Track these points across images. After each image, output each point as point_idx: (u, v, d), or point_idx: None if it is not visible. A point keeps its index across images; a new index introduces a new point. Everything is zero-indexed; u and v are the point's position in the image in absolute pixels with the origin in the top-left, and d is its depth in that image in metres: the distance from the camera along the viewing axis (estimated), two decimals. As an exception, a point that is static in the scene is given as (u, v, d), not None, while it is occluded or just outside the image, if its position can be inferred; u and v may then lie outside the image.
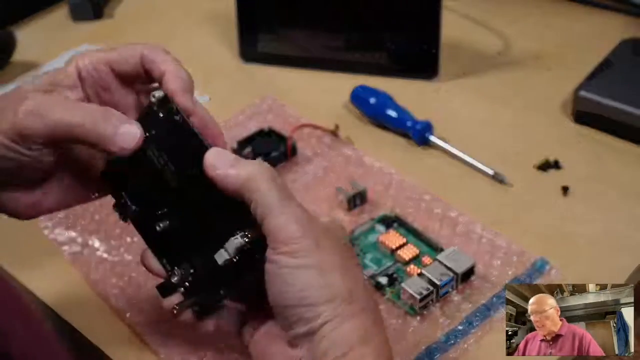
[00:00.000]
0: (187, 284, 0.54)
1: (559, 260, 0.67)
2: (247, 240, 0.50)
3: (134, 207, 0.55)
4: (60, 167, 0.54)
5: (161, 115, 0.52)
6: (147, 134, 0.53)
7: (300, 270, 0.48)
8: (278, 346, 0.50)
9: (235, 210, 0.50)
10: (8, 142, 0.50)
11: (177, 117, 0.52)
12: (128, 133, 0.51)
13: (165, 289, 0.55)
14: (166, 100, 0.52)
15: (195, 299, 0.54)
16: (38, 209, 0.55)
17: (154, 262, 0.55)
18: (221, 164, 0.49)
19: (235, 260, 0.50)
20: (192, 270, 0.53)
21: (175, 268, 0.54)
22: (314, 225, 0.49)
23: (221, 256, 0.50)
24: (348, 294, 0.48)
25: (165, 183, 0.53)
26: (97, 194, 0.57)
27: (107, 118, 0.51)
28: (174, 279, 0.54)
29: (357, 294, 0.49)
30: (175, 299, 0.54)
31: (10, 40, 0.92)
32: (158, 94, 0.52)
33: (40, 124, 0.49)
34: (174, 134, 0.52)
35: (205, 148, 0.51)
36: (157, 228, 0.53)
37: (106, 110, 0.51)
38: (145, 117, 0.53)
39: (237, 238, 0.50)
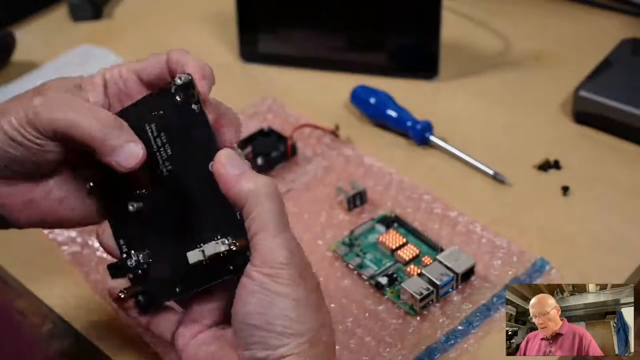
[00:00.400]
0: (140, 271, 0.52)
1: (559, 260, 0.67)
2: (234, 248, 0.48)
3: (106, 177, 0.53)
4: (64, 168, 0.54)
5: (178, 98, 0.50)
6: (154, 112, 0.51)
7: (279, 297, 0.47)
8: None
9: (225, 216, 0.49)
10: (19, 127, 0.50)
11: (195, 106, 0.50)
12: (130, 152, 0.50)
13: (117, 270, 0.53)
14: (189, 85, 0.50)
15: (145, 288, 0.53)
16: (35, 210, 0.54)
17: (110, 238, 0.54)
18: (231, 166, 0.49)
19: (205, 263, 0.49)
20: (150, 260, 0.52)
21: (132, 252, 0.53)
22: (301, 257, 0.49)
23: (195, 255, 0.49)
24: (316, 334, 0.48)
25: (154, 165, 0.51)
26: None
27: (117, 130, 0.50)
28: (130, 262, 0.53)
29: (323, 336, 0.49)
30: (123, 282, 0.53)
31: (10, 40, 0.92)
32: (184, 77, 0.50)
33: (50, 115, 0.50)
34: (185, 121, 0.50)
35: (215, 145, 0.50)
36: (130, 207, 0.52)
37: (118, 122, 0.51)
38: (157, 95, 0.51)
39: (219, 243, 0.49)
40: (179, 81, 0.50)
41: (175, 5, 1.02)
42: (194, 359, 0.52)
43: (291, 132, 0.79)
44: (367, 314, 0.64)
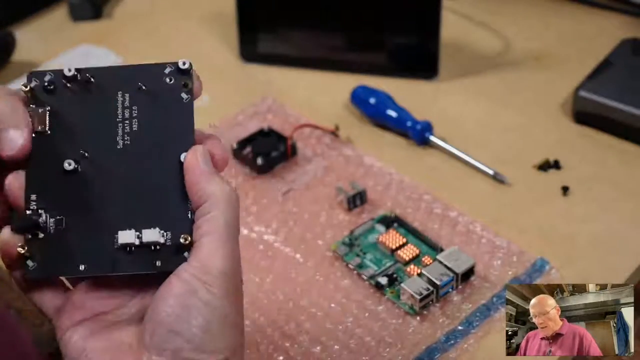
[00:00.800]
0: (42, 235, 0.47)
1: (559, 260, 0.67)
2: (184, 242, 0.46)
3: (47, 125, 0.48)
4: None
5: (168, 80, 0.49)
6: (136, 83, 0.48)
7: (207, 307, 0.44)
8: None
9: (176, 209, 0.47)
10: None
11: (184, 95, 0.49)
12: (10, 138, 0.47)
13: (22, 224, 0.47)
14: (186, 74, 0.49)
15: (42, 256, 0.47)
16: None
17: (20, 189, 0.48)
18: (205, 163, 0.47)
19: (130, 249, 0.46)
20: (60, 227, 0.47)
21: (42, 212, 0.47)
22: (239, 273, 0.46)
23: (128, 236, 0.46)
24: (232, 354, 0.45)
25: (109, 131, 0.48)
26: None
27: (15, 115, 0.47)
28: (41, 220, 0.47)
29: (238, 357, 0.46)
30: (19, 239, 0.47)
31: (10, 40, 0.92)
32: (187, 64, 0.49)
33: None
34: (166, 105, 0.48)
35: (192, 139, 0.48)
36: (66, 165, 0.47)
37: (16, 107, 0.48)
38: (146, 69, 0.49)
39: (162, 233, 0.46)
40: (181, 65, 0.49)
41: (175, 5, 1.02)
42: (74, 350, 0.46)
43: (291, 132, 0.79)
44: (367, 314, 0.64)
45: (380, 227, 0.71)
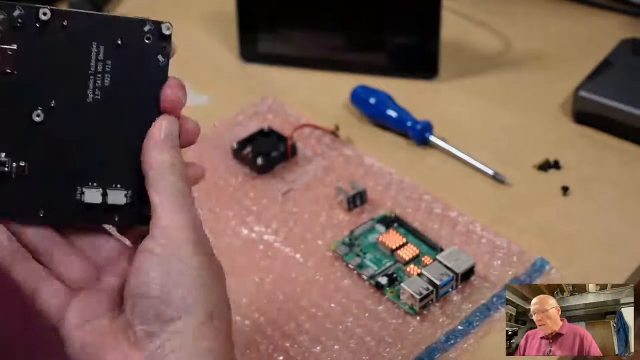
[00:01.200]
0: (3, 178, 0.46)
1: (559, 260, 0.67)
2: (146, 213, 0.46)
3: (14, 65, 0.46)
4: None
5: (146, 40, 0.48)
6: (112, 36, 0.47)
7: (179, 272, 0.45)
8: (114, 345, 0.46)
9: (138, 173, 0.47)
10: None
11: (161, 59, 0.48)
12: None
13: None
14: (166, 38, 0.48)
15: (3, 197, 0.47)
16: None
17: None
18: (165, 134, 0.47)
19: (92, 209, 0.46)
20: (22, 173, 0.47)
21: (4, 155, 0.46)
22: (202, 236, 0.47)
23: (93, 196, 0.46)
24: (216, 312, 0.46)
25: (79, 83, 0.47)
26: None
27: None
28: (6, 169, 0.46)
29: (221, 313, 0.46)
30: None
31: (10, 40, 0.92)
32: (169, 30, 0.48)
33: None
34: (141, 64, 0.47)
35: (159, 108, 0.47)
36: (35, 117, 0.46)
37: None
38: (126, 23, 0.48)
39: (126, 192, 0.47)
40: (164, 30, 0.48)
41: (175, 5, 1.02)
42: (82, 344, 0.46)
43: (291, 132, 0.79)
44: (367, 314, 0.64)
45: (380, 227, 0.71)
